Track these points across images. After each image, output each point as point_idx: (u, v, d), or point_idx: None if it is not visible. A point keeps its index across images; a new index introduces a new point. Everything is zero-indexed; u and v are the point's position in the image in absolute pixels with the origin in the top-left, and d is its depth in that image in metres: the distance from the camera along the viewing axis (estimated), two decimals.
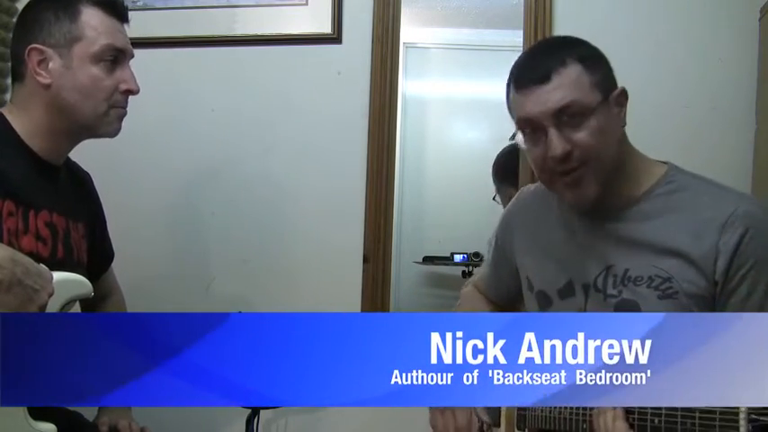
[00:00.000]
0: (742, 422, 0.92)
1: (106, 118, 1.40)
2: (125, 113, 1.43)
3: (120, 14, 1.42)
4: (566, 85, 1.19)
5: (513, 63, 1.30)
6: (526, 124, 1.23)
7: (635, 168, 1.29)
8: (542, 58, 1.23)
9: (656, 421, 1.04)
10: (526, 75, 1.22)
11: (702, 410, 0.98)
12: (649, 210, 1.27)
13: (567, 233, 1.37)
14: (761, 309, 1.18)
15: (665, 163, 1.32)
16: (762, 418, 0.91)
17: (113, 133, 1.44)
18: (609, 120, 1.23)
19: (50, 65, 1.35)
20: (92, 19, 1.37)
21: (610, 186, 1.25)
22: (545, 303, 1.40)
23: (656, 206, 1.26)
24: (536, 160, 1.24)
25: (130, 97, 1.43)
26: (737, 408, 0.94)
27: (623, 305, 1.26)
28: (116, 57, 1.39)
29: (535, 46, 1.30)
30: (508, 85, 1.29)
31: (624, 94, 1.27)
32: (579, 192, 1.23)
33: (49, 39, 1.35)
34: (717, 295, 1.20)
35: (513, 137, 1.29)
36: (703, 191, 1.26)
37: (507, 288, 1.54)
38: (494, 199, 2.08)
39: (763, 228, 1.19)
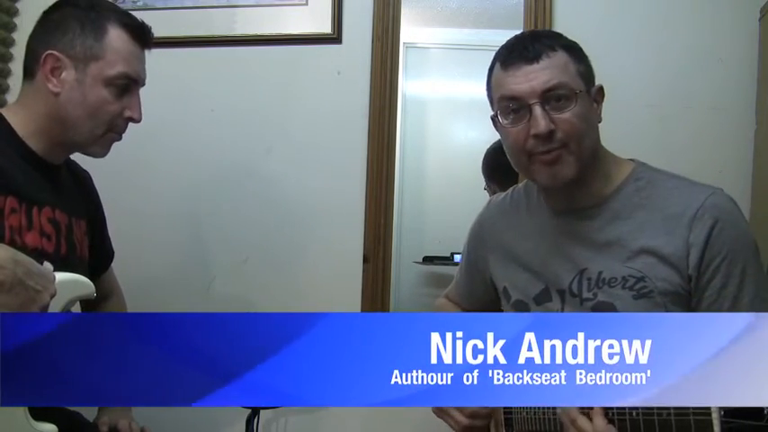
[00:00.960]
0: (713, 407, 0.93)
1: (100, 140, 1.41)
2: (119, 139, 1.44)
3: (145, 41, 1.42)
4: (554, 66, 1.21)
5: (495, 52, 1.31)
6: (510, 102, 1.23)
7: (605, 166, 1.30)
8: (531, 42, 1.24)
9: (635, 414, 1.05)
10: (515, 54, 1.23)
11: None
12: (619, 208, 1.27)
13: (539, 239, 1.37)
14: (735, 300, 1.19)
15: (632, 160, 1.33)
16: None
17: (101, 155, 1.45)
18: (590, 110, 1.25)
19: (63, 74, 1.35)
20: (116, 42, 1.37)
21: (582, 181, 1.26)
22: (522, 312, 1.40)
23: (625, 204, 1.27)
24: (516, 140, 1.24)
25: None
26: None
27: (599, 307, 1.27)
28: (128, 84, 1.39)
29: (523, 33, 1.31)
30: (491, 69, 1.30)
31: (601, 91, 1.30)
32: (557, 170, 1.23)
33: (69, 49, 1.35)
34: (692, 290, 1.21)
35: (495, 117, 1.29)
36: (670, 186, 1.26)
37: (480, 298, 1.54)
38: (485, 188, 2.08)
39: (732, 219, 1.20)
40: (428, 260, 2.34)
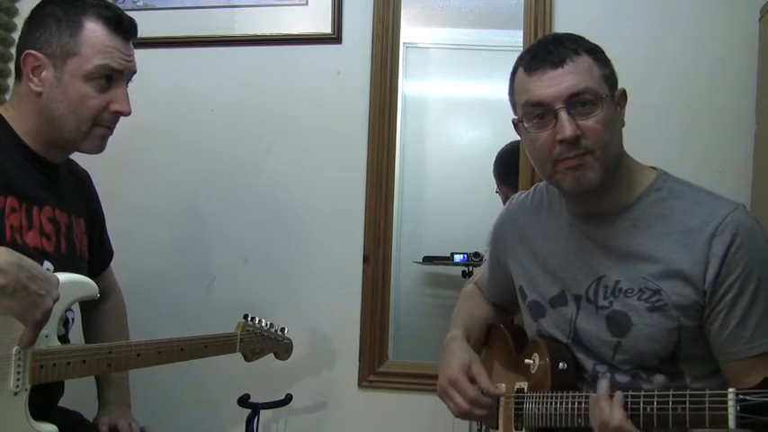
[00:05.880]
0: (730, 402, 0.93)
1: (88, 136, 1.39)
2: (110, 133, 1.42)
3: (126, 32, 1.40)
4: (579, 71, 1.20)
5: (518, 57, 1.30)
6: (536, 107, 1.22)
7: (628, 173, 1.29)
8: (555, 46, 1.23)
9: (648, 409, 1.05)
10: (539, 58, 1.22)
11: (693, 394, 1.00)
12: (640, 218, 1.27)
13: (559, 241, 1.37)
14: (742, 319, 1.19)
15: (654, 168, 1.32)
16: (749, 398, 0.91)
17: (95, 151, 1.42)
18: (614, 114, 1.24)
19: (43, 73, 1.34)
20: (92, 35, 1.34)
21: (605, 188, 1.26)
22: (537, 313, 1.41)
23: (646, 214, 1.27)
24: (543, 146, 1.23)
25: (131, 99, 1.42)
26: (726, 389, 0.95)
27: (614, 316, 1.27)
28: (110, 76, 1.37)
29: (545, 37, 1.31)
30: (513, 73, 1.29)
31: (624, 95, 1.29)
32: (581, 175, 1.22)
33: (47, 47, 1.34)
34: (705, 303, 1.21)
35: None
36: (692, 199, 1.26)
37: (502, 292, 1.56)
38: (496, 192, 2.09)
39: (751, 236, 1.20)
40: (428, 260, 2.34)
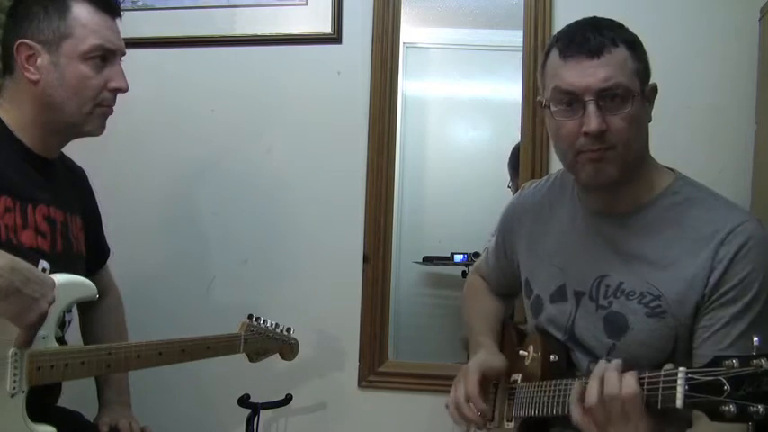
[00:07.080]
0: (680, 381, 0.93)
1: (90, 117, 1.39)
2: (110, 112, 1.43)
3: (112, 10, 1.41)
4: (614, 65, 1.18)
5: (554, 36, 1.28)
6: (565, 95, 1.21)
7: (647, 172, 1.28)
8: (594, 32, 1.21)
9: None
10: (576, 44, 1.20)
11: (651, 375, 1.00)
12: (652, 221, 1.26)
13: (568, 235, 1.37)
14: (725, 326, 1.17)
15: (672, 170, 1.31)
16: (696, 377, 0.92)
17: (97, 132, 1.43)
18: (642, 111, 1.23)
19: (39, 61, 1.35)
20: (81, 16, 1.36)
21: (622, 185, 1.25)
22: (537, 310, 1.40)
23: (658, 218, 1.25)
24: (567, 135, 1.21)
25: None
26: (677, 368, 0.95)
27: (612, 317, 1.26)
28: (105, 55, 1.38)
29: (585, 21, 1.26)
30: (548, 52, 1.27)
31: (655, 90, 1.27)
32: (600, 168, 1.21)
33: (38, 34, 1.34)
34: (702, 305, 1.20)
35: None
36: (707, 206, 1.24)
37: (507, 279, 1.55)
38: (508, 186, 2.08)
39: (759, 249, 1.18)
40: (428, 260, 2.34)
